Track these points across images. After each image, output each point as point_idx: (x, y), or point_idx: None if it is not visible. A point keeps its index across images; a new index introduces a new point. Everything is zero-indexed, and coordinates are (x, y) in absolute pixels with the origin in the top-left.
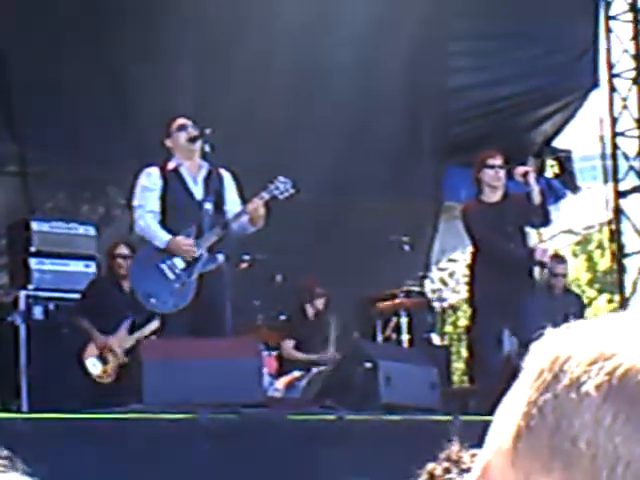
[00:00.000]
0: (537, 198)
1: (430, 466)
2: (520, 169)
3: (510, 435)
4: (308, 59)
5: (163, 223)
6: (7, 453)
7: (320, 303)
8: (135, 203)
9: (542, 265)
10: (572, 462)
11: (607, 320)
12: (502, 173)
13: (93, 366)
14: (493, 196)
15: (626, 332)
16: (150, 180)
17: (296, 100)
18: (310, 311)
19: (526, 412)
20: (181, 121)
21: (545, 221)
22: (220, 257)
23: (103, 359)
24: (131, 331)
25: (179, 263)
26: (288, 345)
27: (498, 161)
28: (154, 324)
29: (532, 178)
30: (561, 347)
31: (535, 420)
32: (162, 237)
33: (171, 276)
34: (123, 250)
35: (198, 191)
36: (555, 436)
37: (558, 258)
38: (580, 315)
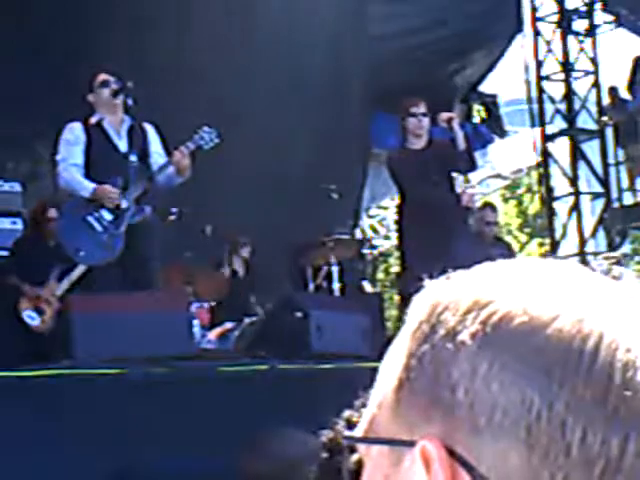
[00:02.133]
0: (462, 144)
1: (347, 413)
2: (444, 115)
3: (392, 387)
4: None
5: (88, 176)
6: None
7: (246, 252)
8: (58, 157)
9: (469, 210)
10: (451, 411)
11: (485, 269)
12: (425, 121)
13: (30, 318)
14: (417, 143)
15: (502, 279)
16: (73, 133)
17: (221, 48)
18: (237, 262)
19: (406, 364)
20: (104, 76)
21: (471, 166)
22: (147, 209)
23: (39, 310)
24: (60, 280)
25: (106, 215)
26: None
27: (421, 109)
28: (81, 268)
29: (456, 124)
30: (438, 297)
31: (415, 371)
32: (87, 186)
33: (99, 228)
34: (51, 212)
35: (122, 144)
36: (434, 386)
37: (489, 206)
38: None
